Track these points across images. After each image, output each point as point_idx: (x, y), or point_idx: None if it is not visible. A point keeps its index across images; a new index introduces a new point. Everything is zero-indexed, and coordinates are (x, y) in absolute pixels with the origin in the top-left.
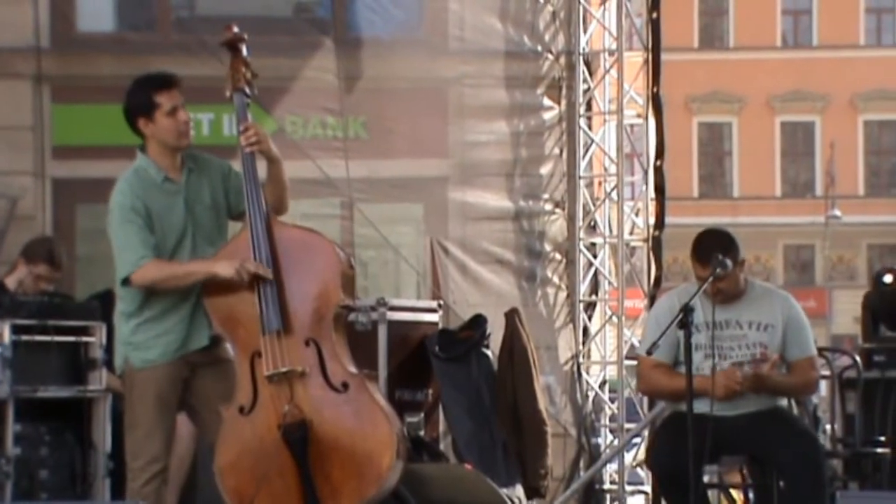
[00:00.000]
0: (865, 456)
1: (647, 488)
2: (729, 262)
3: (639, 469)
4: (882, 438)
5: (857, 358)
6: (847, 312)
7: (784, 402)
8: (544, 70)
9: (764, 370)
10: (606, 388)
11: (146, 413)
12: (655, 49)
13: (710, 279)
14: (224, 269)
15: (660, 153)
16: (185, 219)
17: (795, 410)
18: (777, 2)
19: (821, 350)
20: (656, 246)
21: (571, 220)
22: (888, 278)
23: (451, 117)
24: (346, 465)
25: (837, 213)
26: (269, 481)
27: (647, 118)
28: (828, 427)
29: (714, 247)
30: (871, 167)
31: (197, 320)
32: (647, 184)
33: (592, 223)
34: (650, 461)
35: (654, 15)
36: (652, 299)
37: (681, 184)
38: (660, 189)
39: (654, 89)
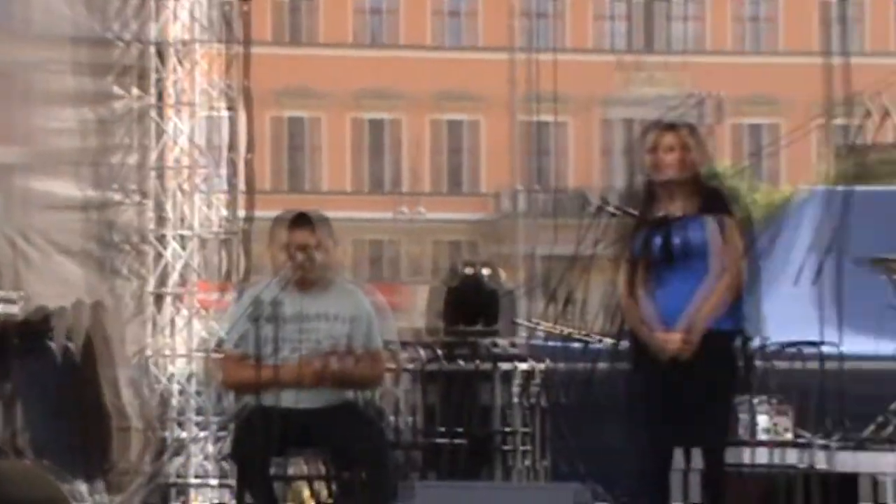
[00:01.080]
0: (440, 447)
1: (227, 481)
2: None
3: (220, 462)
4: (460, 430)
5: (429, 351)
6: (418, 306)
7: (355, 394)
8: (119, 58)
9: (341, 363)
10: (192, 381)
11: None
12: (243, 42)
13: (292, 265)
14: None
15: (248, 146)
16: None
17: (364, 402)
18: (358, 1)
19: (403, 344)
20: (245, 239)
21: (150, 211)
22: (469, 271)
23: (22, 103)
24: None
25: (412, 209)
26: None
27: (236, 111)
28: (392, 418)
29: (301, 231)
30: (444, 165)
31: None
32: (230, 176)
33: (176, 215)
34: (232, 454)
35: (245, 7)
36: (237, 293)
37: (264, 177)
38: (247, 182)
39: (245, 82)
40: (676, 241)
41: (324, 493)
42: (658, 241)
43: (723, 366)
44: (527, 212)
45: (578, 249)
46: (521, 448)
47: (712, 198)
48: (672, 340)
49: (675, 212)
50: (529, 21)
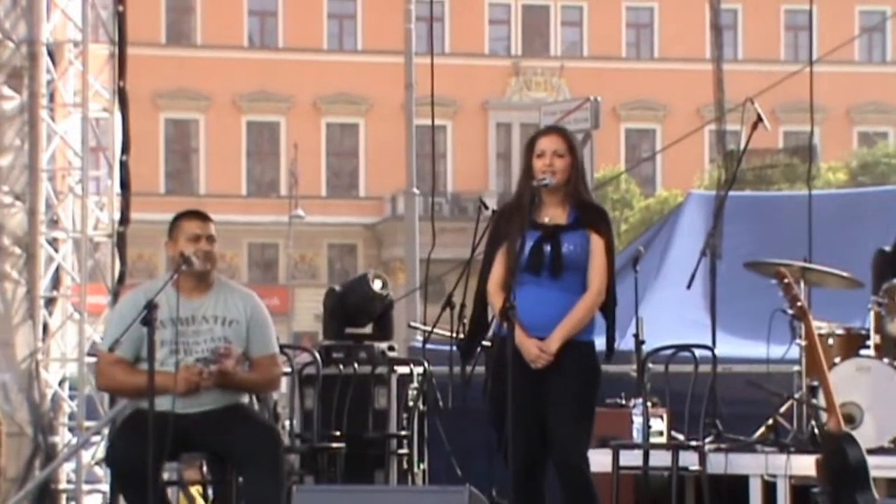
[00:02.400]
0: (322, 450)
1: (105, 487)
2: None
3: (97, 468)
4: (338, 433)
5: (317, 354)
6: (308, 310)
7: (245, 398)
8: (5, 58)
9: (227, 366)
10: (66, 385)
11: None
12: (121, 42)
13: (191, 258)
14: None
15: (125, 148)
16: None
17: (257, 407)
18: (243, 2)
19: (282, 347)
20: (120, 242)
21: (33, 213)
22: (377, 284)
23: None
24: None
25: (300, 212)
26: None
27: (112, 112)
28: (287, 423)
29: (203, 222)
30: (333, 169)
31: None
32: (112, 178)
33: (55, 217)
34: (109, 459)
35: (121, 8)
36: (116, 296)
37: (147, 180)
38: (125, 184)
39: (121, 83)
40: (563, 251)
41: (209, 497)
42: (548, 248)
43: (587, 374)
44: (421, 215)
45: (471, 253)
46: (399, 451)
47: (591, 211)
48: (548, 350)
49: (557, 219)
50: (410, 24)
